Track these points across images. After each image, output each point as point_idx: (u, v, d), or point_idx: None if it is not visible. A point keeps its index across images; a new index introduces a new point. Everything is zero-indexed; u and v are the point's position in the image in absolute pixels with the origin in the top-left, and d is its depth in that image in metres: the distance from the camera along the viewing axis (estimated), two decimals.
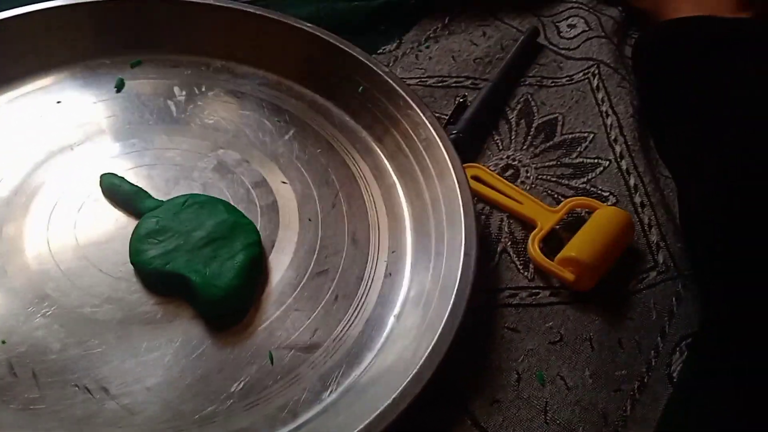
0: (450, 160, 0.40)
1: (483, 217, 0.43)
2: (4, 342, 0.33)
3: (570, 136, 0.48)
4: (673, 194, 0.45)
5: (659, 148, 0.48)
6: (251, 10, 0.46)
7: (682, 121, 0.45)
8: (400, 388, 0.31)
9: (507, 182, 0.44)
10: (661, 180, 0.46)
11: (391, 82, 0.44)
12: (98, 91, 0.44)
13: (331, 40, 0.45)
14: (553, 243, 0.41)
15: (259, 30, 0.46)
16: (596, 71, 0.52)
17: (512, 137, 0.48)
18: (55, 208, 0.38)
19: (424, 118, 0.42)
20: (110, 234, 0.38)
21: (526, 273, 0.40)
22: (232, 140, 0.43)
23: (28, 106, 0.43)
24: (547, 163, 0.46)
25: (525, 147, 0.47)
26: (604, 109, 0.49)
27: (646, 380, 0.36)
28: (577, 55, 0.54)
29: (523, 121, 0.49)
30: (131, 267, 0.36)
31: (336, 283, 0.38)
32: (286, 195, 0.41)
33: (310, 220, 0.40)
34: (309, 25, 0.46)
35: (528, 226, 0.42)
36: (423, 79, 0.50)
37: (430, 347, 0.32)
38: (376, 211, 0.42)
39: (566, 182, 0.45)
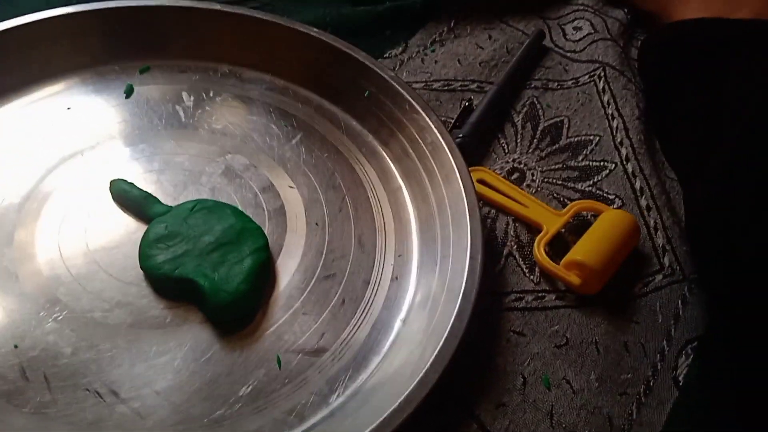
0: (456, 163, 0.40)
1: (489, 220, 0.43)
2: (16, 346, 0.34)
3: (576, 139, 0.48)
4: (679, 197, 0.45)
5: (665, 150, 0.48)
6: (258, 16, 0.46)
7: (688, 124, 0.45)
8: (407, 392, 0.31)
9: (513, 185, 0.44)
10: (667, 183, 0.46)
11: (396, 86, 0.44)
12: (108, 97, 0.45)
13: (337, 45, 0.46)
14: (558, 246, 0.41)
15: (266, 35, 0.47)
16: (602, 74, 0.52)
17: (518, 140, 0.48)
18: (66, 214, 0.39)
19: (429, 121, 0.42)
20: (120, 239, 0.38)
21: (531, 276, 0.41)
22: (240, 145, 0.44)
23: (39, 112, 0.43)
24: (552, 166, 0.46)
25: (531, 150, 0.47)
26: (609, 111, 0.49)
27: (651, 384, 0.36)
28: (582, 57, 0.54)
29: (528, 124, 0.49)
30: (141, 272, 0.37)
31: (343, 287, 0.38)
32: (293, 199, 0.42)
33: (317, 224, 0.41)
34: (315, 30, 0.46)
35: (534, 229, 0.42)
36: (429, 83, 0.51)
37: (436, 351, 0.33)
38: (383, 214, 0.42)
39: (572, 185, 0.45)
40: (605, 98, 0.50)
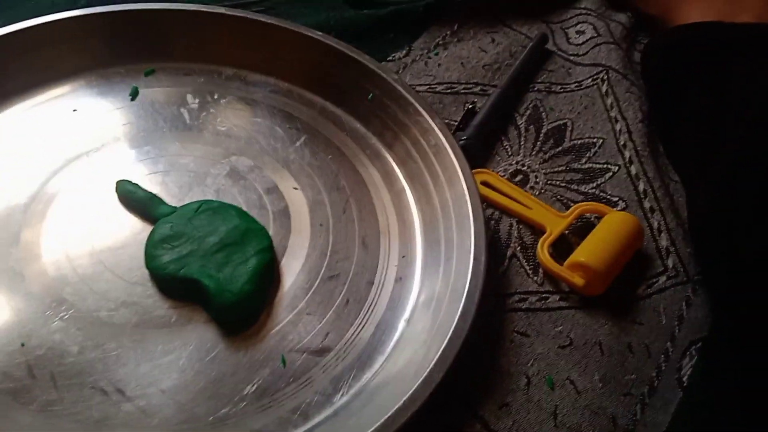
0: (459, 166, 0.40)
1: (492, 222, 0.43)
2: (23, 345, 0.34)
3: (579, 141, 0.48)
4: (682, 199, 0.45)
5: (669, 152, 0.48)
6: (262, 19, 0.47)
7: (692, 126, 0.45)
8: (410, 392, 0.31)
9: (516, 187, 0.44)
10: (670, 185, 0.46)
11: (400, 89, 0.44)
12: (113, 99, 0.45)
13: (341, 48, 0.46)
14: (562, 248, 0.41)
15: (271, 38, 0.47)
16: (605, 77, 0.52)
17: (521, 143, 0.48)
18: (72, 215, 0.39)
19: (433, 124, 0.42)
20: (126, 240, 0.38)
21: (535, 278, 0.41)
22: (245, 147, 0.44)
23: (45, 114, 0.43)
24: (556, 169, 0.47)
25: (534, 152, 0.48)
26: (613, 114, 0.50)
27: (655, 385, 0.36)
28: (585, 61, 0.54)
29: (532, 126, 0.49)
30: (146, 272, 0.37)
31: (347, 288, 0.38)
32: (297, 201, 0.42)
33: (321, 225, 0.41)
34: (319, 33, 0.46)
35: (537, 231, 0.43)
36: (432, 86, 0.51)
37: (440, 351, 0.33)
38: (387, 216, 0.42)
39: (575, 187, 0.45)
40: (608, 101, 0.50)
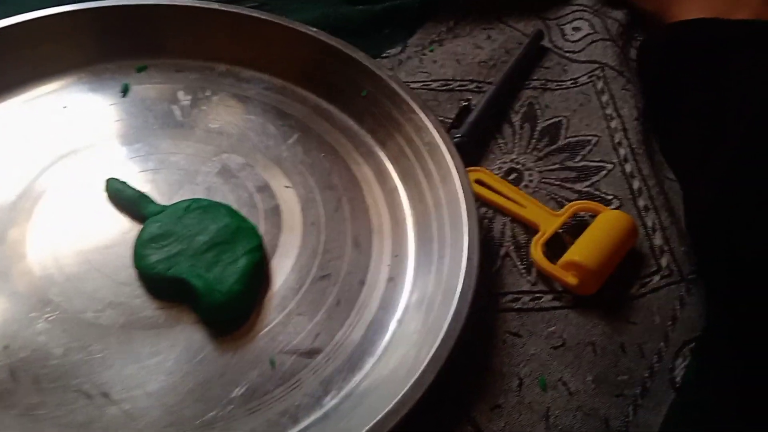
0: (453, 164, 0.40)
1: (486, 220, 0.43)
2: (6, 347, 0.33)
3: (574, 139, 0.48)
4: (677, 197, 0.45)
5: (665, 150, 0.48)
6: (255, 15, 0.46)
7: (689, 123, 0.45)
8: (402, 394, 0.31)
9: (510, 186, 0.44)
10: (665, 183, 0.45)
11: (394, 85, 0.44)
12: (104, 95, 0.45)
13: (335, 44, 0.45)
14: (556, 247, 0.41)
15: (264, 34, 0.46)
16: (601, 74, 0.51)
17: (516, 140, 0.48)
18: (60, 213, 0.39)
19: (427, 121, 0.42)
20: (114, 239, 0.38)
21: (528, 277, 0.40)
22: (236, 144, 0.43)
23: (35, 110, 0.43)
24: (550, 167, 0.46)
25: (529, 150, 0.47)
26: (608, 112, 0.49)
27: (648, 385, 0.36)
28: (581, 58, 0.53)
29: (527, 124, 0.49)
30: (134, 272, 0.37)
31: (338, 288, 0.38)
32: (289, 199, 0.41)
33: (312, 224, 0.40)
34: (313, 29, 0.46)
35: (531, 230, 0.42)
36: (427, 83, 0.50)
37: (432, 352, 0.32)
38: (379, 215, 0.42)
39: (570, 185, 0.45)
40: (604, 99, 0.50)
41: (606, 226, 0.40)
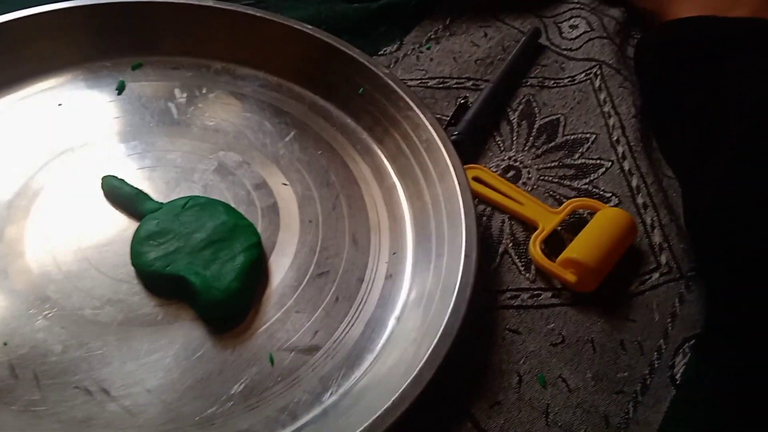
0: (451, 161, 0.40)
1: (484, 218, 0.43)
2: (5, 344, 0.33)
3: (572, 136, 0.48)
4: (676, 195, 0.45)
5: (663, 148, 0.48)
6: (252, 12, 0.46)
7: (686, 121, 0.45)
8: (400, 390, 0.31)
9: (508, 183, 0.44)
10: (664, 181, 0.46)
11: (391, 83, 0.43)
12: (99, 93, 0.44)
13: (332, 42, 0.45)
14: (554, 244, 0.41)
15: (260, 32, 0.46)
16: (598, 72, 0.51)
17: (514, 138, 0.48)
18: (57, 211, 0.38)
19: (424, 119, 0.42)
20: (111, 236, 0.38)
21: (527, 274, 0.40)
22: (233, 142, 0.43)
23: (30, 108, 0.43)
24: (548, 164, 0.46)
25: (527, 148, 0.47)
26: (606, 109, 0.49)
27: (648, 382, 0.36)
28: (579, 55, 0.53)
29: (524, 122, 0.49)
30: (132, 269, 0.36)
31: (336, 285, 0.38)
32: (286, 197, 0.41)
33: (310, 221, 0.40)
34: (309, 26, 0.46)
35: (529, 227, 0.42)
36: (424, 81, 0.50)
37: (431, 349, 0.32)
38: (377, 212, 0.42)
39: (568, 183, 0.45)
40: (601, 96, 0.50)
41: (605, 223, 0.40)
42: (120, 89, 0.45)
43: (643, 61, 0.51)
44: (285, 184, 0.42)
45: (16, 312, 0.34)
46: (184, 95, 0.45)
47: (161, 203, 0.38)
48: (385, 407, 0.30)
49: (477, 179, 0.44)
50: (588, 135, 0.48)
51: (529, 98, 0.50)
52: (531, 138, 0.48)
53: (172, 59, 0.47)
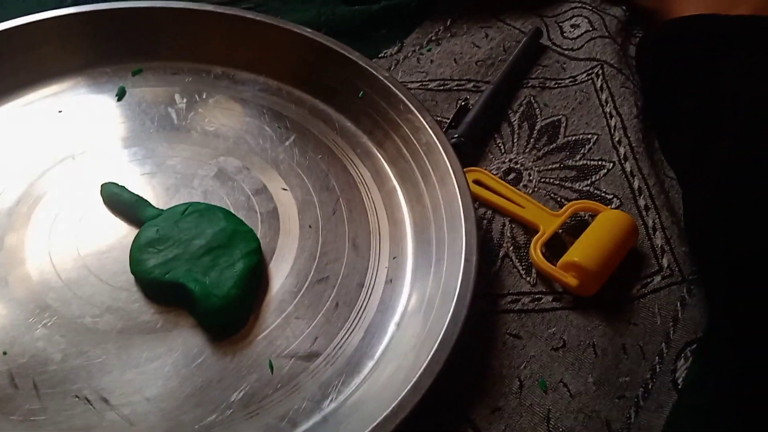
0: (451, 164, 0.40)
1: (485, 221, 0.43)
2: (5, 353, 0.33)
3: (573, 138, 0.48)
4: (678, 196, 0.44)
5: (664, 148, 0.48)
6: (251, 17, 0.46)
7: (687, 122, 0.45)
8: (400, 397, 0.31)
9: (509, 186, 0.43)
10: (666, 182, 0.45)
11: (391, 86, 0.43)
12: (99, 99, 0.44)
13: (331, 45, 0.45)
14: (555, 247, 0.41)
15: (259, 36, 0.46)
16: (600, 72, 0.51)
17: (515, 140, 0.47)
18: (57, 218, 0.38)
19: (424, 122, 0.42)
20: (111, 243, 0.38)
21: (528, 278, 0.40)
22: (233, 147, 0.43)
23: (30, 115, 0.43)
24: (550, 166, 0.46)
25: (528, 150, 0.47)
26: (607, 110, 0.49)
27: (650, 387, 0.36)
28: (580, 55, 0.53)
29: (525, 123, 0.49)
30: (131, 276, 0.36)
31: (336, 291, 0.38)
32: (286, 202, 0.41)
33: (310, 226, 0.40)
34: (309, 30, 0.46)
35: (530, 230, 0.42)
36: (424, 83, 0.50)
37: (431, 355, 0.32)
38: (377, 216, 0.41)
39: (569, 185, 0.45)
40: (603, 96, 0.50)
41: (606, 226, 0.40)
42: (120, 95, 0.45)
43: (645, 60, 0.50)
44: (285, 189, 0.42)
45: (16, 321, 0.34)
46: (184, 100, 0.45)
47: (161, 210, 0.39)
48: (384, 414, 0.30)
49: (477, 182, 0.44)
50: (589, 136, 0.48)
51: (530, 99, 0.50)
52: (532, 140, 0.47)
53: (172, 65, 0.47)
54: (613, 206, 0.43)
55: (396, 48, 0.53)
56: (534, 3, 0.58)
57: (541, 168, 0.46)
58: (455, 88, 0.50)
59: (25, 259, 0.37)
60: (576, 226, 0.42)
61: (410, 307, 0.37)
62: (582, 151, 0.47)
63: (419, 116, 0.42)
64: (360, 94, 0.45)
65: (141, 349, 0.34)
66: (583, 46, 0.54)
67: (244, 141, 0.44)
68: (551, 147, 0.47)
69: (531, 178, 0.45)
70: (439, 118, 0.47)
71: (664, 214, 0.43)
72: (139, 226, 0.38)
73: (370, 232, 0.41)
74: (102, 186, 0.40)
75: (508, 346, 0.37)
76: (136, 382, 0.33)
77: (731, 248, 0.37)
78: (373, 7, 0.54)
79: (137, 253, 0.36)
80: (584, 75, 0.51)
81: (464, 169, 0.40)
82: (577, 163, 0.46)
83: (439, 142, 0.41)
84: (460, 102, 0.48)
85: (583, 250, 0.39)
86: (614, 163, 0.46)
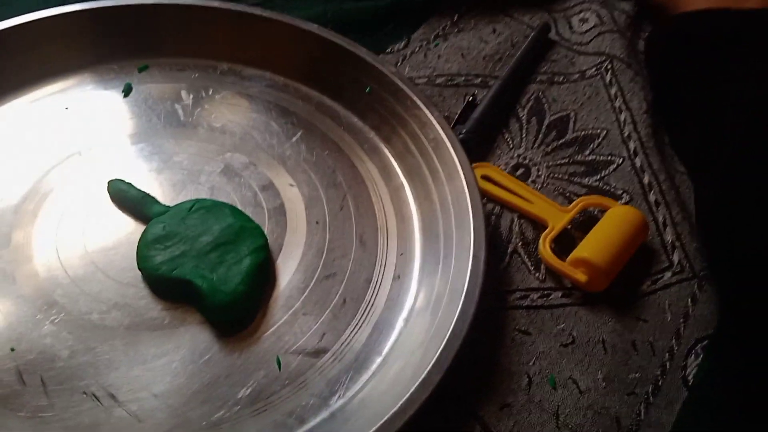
0: (458, 160, 0.39)
1: (493, 217, 0.42)
2: (12, 349, 0.33)
3: (582, 133, 0.47)
4: (688, 192, 0.44)
5: (674, 143, 0.47)
6: (257, 13, 0.46)
7: (697, 116, 0.44)
8: (408, 393, 0.31)
9: (518, 181, 0.43)
10: (676, 177, 0.45)
11: (398, 82, 0.43)
12: (106, 96, 0.44)
13: (338, 41, 0.45)
14: (564, 243, 0.40)
15: (266, 32, 0.46)
16: (609, 66, 0.51)
17: (523, 135, 0.47)
18: (64, 215, 0.38)
19: (431, 118, 0.41)
20: (118, 240, 0.38)
21: (537, 274, 0.40)
22: (240, 143, 0.43)
23: (37, 112, 0.43)
24: (559, 161, 0.45)
25: (536, 145, 0.46)
26: (617, 105, 0.48)
27: (660, 383, 0.36)
28: (589, 50, 0.53)
29: (534, 118, 0.48)
30: (139, 273, 0.36)
31: (344, 287, 0.38)
32: (293, 198, 0.41)
33: (317, 222, 0.40)
34: (315, 26, 0.45)
35: (539, 226, 0.42)
36: (432, 78, 0.50)
37: (439, 351, 0.32)
38: (384, 212, 0.41)
39: (578, 180, 0.44)
40: (612, 91, 0.49)
41: (616, 221, 0.40)
42: (126, 92, 0.45)
43: (654, 54, 0.50)
44: (292, 185, 0.42)
45: (23, 317, 0.34)
46: (191, 97, 0.45)
47: (167, 206, 0.38)
48: (392, 411, 0.30)
49: (486, 178, 0.43)
50: (599, 131, 0.47)
51: (539, 94, 0.50)
52: (541, 135, 0.47)
53: (178, 61, 0.47)
54: (622, 201, 0.43)
55: (403, 43, 0.52)
56: None
57: (550, 163, 0.45)
58: (463, 83, 0.50)
59: (32, 255, 0.37)
60: (585, 222, 0.42)
61: (418, 304, 0.37)
62: (591, 146, 0.46)
63: (426, 112, 0.42)
64: (367, 90, 0.45)
65: (148, 346, 0.34)
66: (591, 40, 0.53)
67: (250, 137, 0.44)
68: (560, 142, 0.47)
69: (540, 173, 0.45)
70: (446, 114, 0.47)
71: (674, 210, 0.42)
72: (145, 223, 0.38)
73: (377, 228, 0.40)
74: (109, 183, 0.39)
75: (516, 342, 0.37)
76: (143, 379, 0.33)
77: (738, 245, 0.37)
78: (380, 3, 0.54)
79: (144, 249, 0.36)
80: (593, 70, 0.51)
81: (472, 165, 0.40)
82: (587, 159, 0.46)
83: (447, 138, 0.40)
84: (467, 97, 0.48)
85: (592, 246, 0.38)
86: (624, 158, 0.45)
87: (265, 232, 0.39)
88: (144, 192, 0.39)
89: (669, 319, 0.38)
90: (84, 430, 0.31)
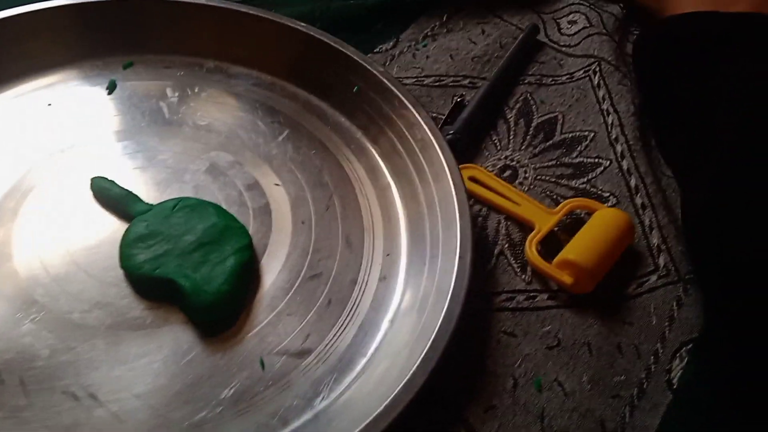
0: (446, 161, 0.39)
1: (480, 218, 0.42)
2: None
3: (570, 135, 0.47)
4: (675, 195, 0.44)
5: (661, 147, 0.47)
6: (244, 10, 0.45)
7: (684, 119, 0.44)
8: (393, 395, 0.30)
9: (505, 183, 0.43)
10: (663, 180, 0.45)
11: (386, 81, 0.43)
12: (90, 92, 0.44)
13: (325, 40, 0.45)
14: (551, 245, 0.40)
15: (253, 30, 0.46)
16: (597, 68, 0.51)
17: (511, 137, 0.47)
18: (45, 213, 0.38)
19: (419, 118, 0.41)
20: (100, 238, 0.37)
21: (523, 276, 0.40)
22: (225, 142, 0.43)
23: (19, 108, 0.42)
24: (546, 163, 0.45)
25: (524, 147, 0.46)
26: (605, 107, 0.49)
27: (645, 386, 0.36)
28: (577, 52, 0.53)
29: (522, 120, 0.48)
30: (121, 272, 0.36)
31: (329, 287, 0.37)
32: (279, 197, 0.41)
33: (303, 222, 0.40)
34: (303, 24, 0.45)
35: (526, 228, 0.42)
36: (420, 79, 0.50)
37: (424, 353, 0.32)
38: (371, 213, 0.41)
39: (566, 182, 0.44)
40: (600, 93, 0.49)
41: (602, 224, 0.40)
42: (111, 89, 0.44)
43: (642, 57, 0.50)
44: (277, 185, 0.41)
45: (3, 316, 0.34)
46: (176, 94, 0.45)
47: (151, 205, 0.38)
48: (377, 412, 0.30)
49: (473, 179, 0.43)
50: (586, 133, 0.47)
51: (527, 96, 0.50)
52: (528, 137, 0.47)
53: (163, 58, 0.46)
54: (609, 204, 0.43)
55: (391, 43, 0.52)
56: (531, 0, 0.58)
57: (537, 165, 0.45)
58: (451, 84, 0.50)
59: (12, 254, 0.36)
60: (572, 224, 0.42)
61: (404, 305, 0.37)
62: (578, 149, 0.46)
63: (414, 112, 0.41)
64: (355, 90, 0.44)
65: (130, 345, 0.34)
66: (580, 42, 0.53)
67: (236, 136, 0.43)
68: (547, 144, 0.47)
69: (527, 175, 0.45)
70: (434, 115, 0.47)
71: (660, 213, 0.42)
72: (129, 221, 0.37)
73: (363, 228, 0.40)
74: (92, 180, 0.39)
75: (502, 344, 0.37)
76: (125, 379, 0.33)
77: (726, 248, 0.37)
78: (369, 2, 0.53)
79: (127, 248, 0.36)
80: (581, 72, 0.51)
81: (459, 166, 0.39)
82: (574, 161, 0.46)
83: (435, 139, 0.40)
84: (455, 98, 0.48)
85: (578, 248, 0.38)
86: (611, 160, 0.45)
87: (250, 231, 0.38)
88: (127, 190, 0.39)
89: (654, 322, 0.38)
90: (64, 430, 0.31)
